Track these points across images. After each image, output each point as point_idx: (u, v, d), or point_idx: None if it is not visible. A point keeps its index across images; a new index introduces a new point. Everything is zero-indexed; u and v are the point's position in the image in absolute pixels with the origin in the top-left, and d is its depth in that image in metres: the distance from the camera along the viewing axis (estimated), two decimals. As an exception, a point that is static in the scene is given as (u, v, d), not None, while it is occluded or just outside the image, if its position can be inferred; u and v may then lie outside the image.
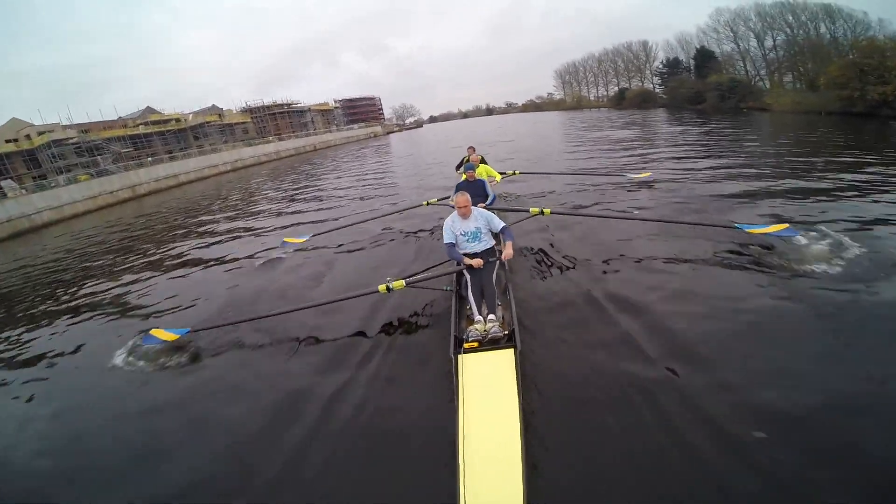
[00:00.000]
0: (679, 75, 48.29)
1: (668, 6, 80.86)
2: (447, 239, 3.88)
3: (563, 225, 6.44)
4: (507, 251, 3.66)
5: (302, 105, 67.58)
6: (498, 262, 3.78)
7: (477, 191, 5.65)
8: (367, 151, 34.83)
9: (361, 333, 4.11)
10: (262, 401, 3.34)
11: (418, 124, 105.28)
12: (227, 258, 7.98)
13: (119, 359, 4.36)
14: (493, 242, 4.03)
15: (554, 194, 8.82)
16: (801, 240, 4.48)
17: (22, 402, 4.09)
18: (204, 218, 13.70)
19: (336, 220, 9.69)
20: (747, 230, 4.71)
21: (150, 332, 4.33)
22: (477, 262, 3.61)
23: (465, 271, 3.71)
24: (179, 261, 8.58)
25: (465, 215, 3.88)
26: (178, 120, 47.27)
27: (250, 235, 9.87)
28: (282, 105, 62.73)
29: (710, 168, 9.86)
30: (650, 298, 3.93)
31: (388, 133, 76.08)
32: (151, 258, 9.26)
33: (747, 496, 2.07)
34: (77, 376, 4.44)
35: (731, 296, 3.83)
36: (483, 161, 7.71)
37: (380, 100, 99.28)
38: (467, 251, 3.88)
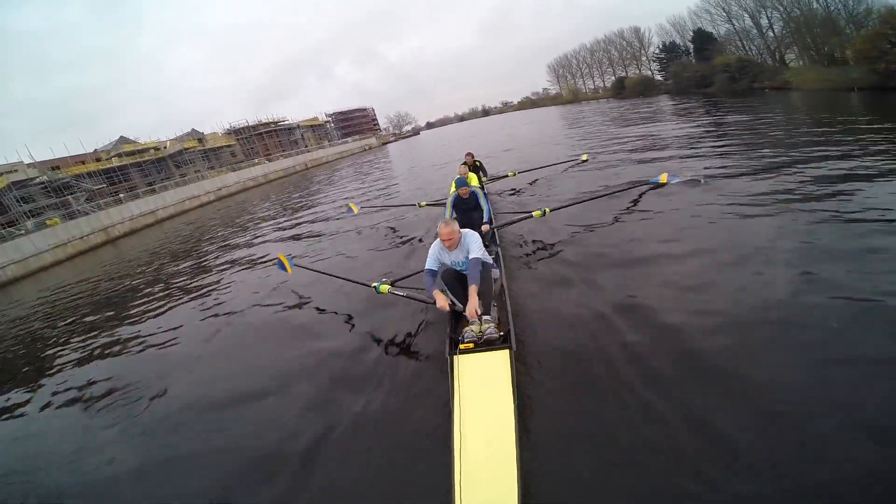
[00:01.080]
0: (678, 59, 46.48)
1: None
2: (429, 265, 3.55)
3: (560, 223, 6.23)
4: (471, 303, 3.09)
5: (290, 122, 65.85)
6: (493, 266, 3.65)
7: (472, 207, 5.43)
8: (349, 171, 32.59)
9: (359, 332, 4.19)
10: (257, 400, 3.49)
11: (415, 132, 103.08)
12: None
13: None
14: (488, 260, 3.67)
15: (552, 192, 8.51)
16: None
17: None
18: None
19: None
20: (658, 181, 6.34)
21: (279, 258, 6.06)
22: (442, 304, 3.25)
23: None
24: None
25: (451, 248, 3.52)
26: (156, 149, 44.92)
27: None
28: (268, 124, 60.81)
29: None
30: (646, 293, 3.78)
31: (384, 144, 73.82)
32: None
33: (745, 495, 1.95)
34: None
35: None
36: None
37: (373, 110, 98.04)
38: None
